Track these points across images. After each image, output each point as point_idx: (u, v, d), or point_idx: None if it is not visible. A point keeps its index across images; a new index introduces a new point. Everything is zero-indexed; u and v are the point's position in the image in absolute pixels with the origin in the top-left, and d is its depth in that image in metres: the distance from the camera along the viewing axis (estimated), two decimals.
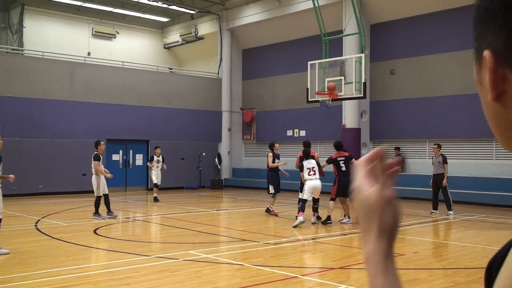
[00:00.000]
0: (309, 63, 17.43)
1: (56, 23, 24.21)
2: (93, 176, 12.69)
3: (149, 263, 7.63)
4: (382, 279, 0.80)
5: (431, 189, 13.84)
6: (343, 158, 12.02)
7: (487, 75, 0.67)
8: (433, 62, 18.84)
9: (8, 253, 8.13)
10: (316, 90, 16.80)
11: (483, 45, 0.68)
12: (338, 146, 12.24)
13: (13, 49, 21.89)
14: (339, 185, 11.84)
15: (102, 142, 13.15)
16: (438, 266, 7.46)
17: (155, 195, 17.66)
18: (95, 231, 10.70)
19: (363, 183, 0.82)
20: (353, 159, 11.69)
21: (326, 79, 16.70)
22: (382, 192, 0.80)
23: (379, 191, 0.80)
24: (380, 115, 20.33)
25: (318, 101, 16.84)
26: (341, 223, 11.93)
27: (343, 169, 11.91)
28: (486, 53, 0.66)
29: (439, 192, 13.41)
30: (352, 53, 18.32)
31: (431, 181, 13.65)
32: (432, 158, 13.86)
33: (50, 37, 23.76)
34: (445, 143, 18.62)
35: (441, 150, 13.85)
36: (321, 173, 12.07)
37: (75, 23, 24.71)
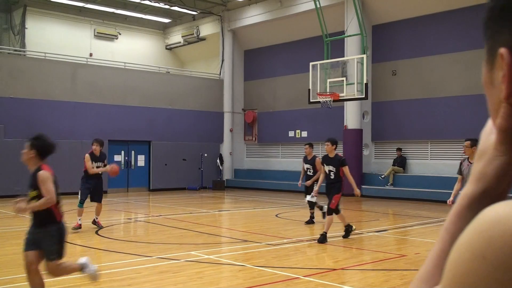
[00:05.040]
0: (310, 64, 17.43)
1: (58, 24, 24.24)
2: None
3: (151, 264, 7.64)
4: (448, 224, 0.76)
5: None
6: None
7: (501, 73, 0.68)
8: (435, 63, 18.82)
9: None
10: (318, 91, 16.80)
11: (498, 44, 0.69)
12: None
13: (15, 50, 21.92)
14: None
15: None
16: None
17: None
18: (97, 232, 10.71)
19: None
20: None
21: (328, 80, 16.70)
22: (497, 166, 0.72)
23: (494, 166, 0.72)
24: (382, 116, 20.32)
25: (319, 102, 16.84)
26: None
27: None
28: (503, 50, 0.67)
29: None
30: (354, 54, 18.32)
31: None
32: None
33: (52, 38, 23.80)
34: (446, 144, 18.61)
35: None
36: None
37: (77, 24, 24.75)
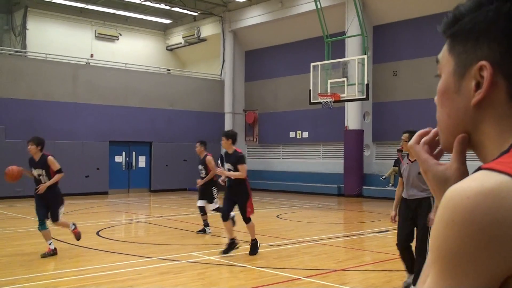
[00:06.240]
0: (311, 64, 17.42)
1: (59, 25, 24.25)
2: None
3: (152, 265, 7.64)
4: None
5: None
6: None
7: (473, 82, 0.84)
8: (436, 64, 18.79)
9: None
10: (319, 92, 16.80)
11: (474, 58, 0.84)
12: None
13: (16, 51, 21.93)
14: None
15: None
16: None
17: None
18: (98, 233, 10.71)
19: (431, 160, 0.95)
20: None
21: (329, 81, 16.70)
22: (456, 168, 0.91)
23: (456, 167, 0.91)
24: (383, 116, 20.31)
25: (320, 102, 16.84)
26: None
27: None
28: (485, 63, 0.82)
29: None
30: (354, 54, 18.32)
31: None
32: None
33: (53, 39, 23.81)
34: None
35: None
36: None
37: (78, 25, 24.76)
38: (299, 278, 6.79)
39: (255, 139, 25.33)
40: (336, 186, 20.72)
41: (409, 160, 6.29)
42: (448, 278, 0.74)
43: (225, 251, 8.36)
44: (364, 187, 19.82)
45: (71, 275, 6.89)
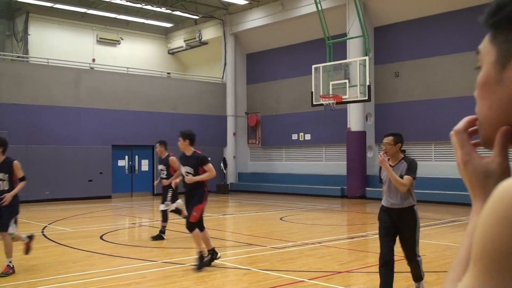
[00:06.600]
0: (313, 66, 17.43)
1: (61, 30, 24.31)
2: None
3: (156, 269, 7.63)
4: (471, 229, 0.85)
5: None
6: None
7: None
8: (438, 64, 18.80)
9: None
10: (321, 94, 16.80)
11: None
12: None
13: (18, 57, 21.99)
14: None
15: None
16: (446, 269, 7.43)
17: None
18: (101, 237, 10.72)
19: (475, 152, 0.90)
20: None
21: (331, 83, 16.70)
22: (499, 163, 0.85)
23: (499, 161, 0.85)
24: (385, 117, 20.29)
25: (322, 104, 16.84)
26: None
27: None
28: None
29: None
30: (356, 56, 18.32)
31: None
32: None
33: (55, 44, 23.87)
34: (450, 145, 18.49)
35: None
36: None
37: (79, 29, 24.81)
38: (303, 281, 6.78)
39: (257, 142, 25.33)
40: (339, 187, 20.70)
41: (390, 165, 5.72)
42: (492, 278, 0.69)
43: (198, 267, 7.34)
44: (367, 188, 19.81)
45: (75, 279, 6.89)
